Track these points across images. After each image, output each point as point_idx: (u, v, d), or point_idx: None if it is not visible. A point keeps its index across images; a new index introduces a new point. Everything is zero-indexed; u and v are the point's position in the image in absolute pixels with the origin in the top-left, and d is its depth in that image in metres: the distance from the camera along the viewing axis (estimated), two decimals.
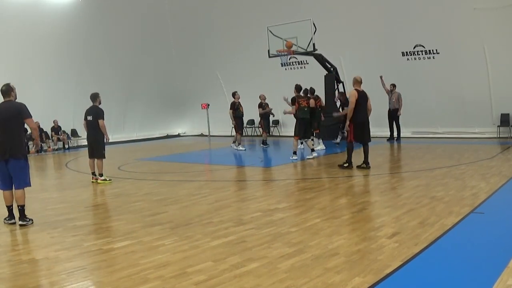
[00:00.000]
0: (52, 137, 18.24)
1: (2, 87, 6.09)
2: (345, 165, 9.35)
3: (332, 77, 16.80)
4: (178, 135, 23.81)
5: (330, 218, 5.47)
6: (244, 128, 21.16)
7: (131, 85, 21.13)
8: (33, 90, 17.55)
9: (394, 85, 15.39)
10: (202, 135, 22.65)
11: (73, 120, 19.48)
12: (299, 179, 8.93)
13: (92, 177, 9.34)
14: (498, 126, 15.03)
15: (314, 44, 15.36)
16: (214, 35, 20.81)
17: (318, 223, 5.21)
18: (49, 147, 17.88)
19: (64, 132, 18.61)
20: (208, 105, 21.32)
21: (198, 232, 5.05)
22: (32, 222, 5.85)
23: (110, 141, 9.83)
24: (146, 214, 6.14)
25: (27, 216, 5.86)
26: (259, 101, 15.18)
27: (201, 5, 20.55)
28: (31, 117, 5.95)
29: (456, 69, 15.36)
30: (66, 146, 18.54)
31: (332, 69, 16.92)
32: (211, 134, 21.48)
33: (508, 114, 14.90)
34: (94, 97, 9.18)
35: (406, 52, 16.47)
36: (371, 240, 4.45)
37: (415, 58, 16.35)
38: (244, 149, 14.04)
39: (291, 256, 4.09)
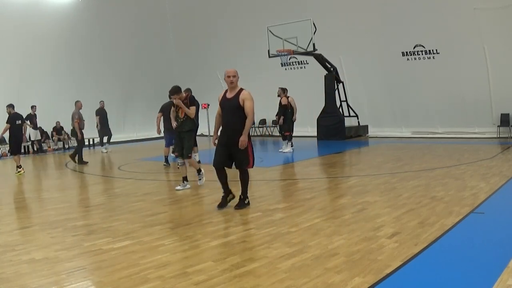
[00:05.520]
0: (53, 137, 18.27)
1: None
2: (246, 201, 6.23)
3: (332, 77, 16.82)
4: None
5: (330, 218, 5.47)
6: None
7: (131, 85, 21.14)
8: (33, 90, 17.59)
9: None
10: (202, 135, 22.65)
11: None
12: (299, 179, 8.92)
13: (21, 169, 10.97)
14: (498, 126, 15.04)
15: (314, 44, 15.37)
16: (214, 35, 20.83)
17: (318, 223, 5.21)
18: (49, 147, 17.91)
19: (65, 132, 18.66)
20: (208, 105, 21.32)
21: (198, 232, 5.05)
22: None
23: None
24: (146, 214, 6.14)
25: None
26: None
27: (201, 5, 20.56)
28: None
29: (456, 69, 15.37)
30: (66, 146, 18.55)
31: (332, 69, 16.93)
32: (211, 134, 21.48)
33: (508, 114, 14.91)
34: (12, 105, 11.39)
35: (406, 52, 16.48)
36: (371, 240, 4.45)
37: (415, 58, 16.37)
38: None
39: (291, 256, 4.09)
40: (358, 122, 17.67)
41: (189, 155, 7.77)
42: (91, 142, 19.30)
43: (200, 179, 8.09)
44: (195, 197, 7.16)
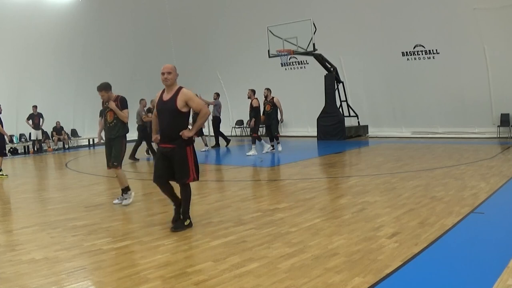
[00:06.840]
0: (52, 137, 18.27)
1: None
2: (186, 223, 5.27)
3: (332, 77, 16.82)
4: None
5: (330, 218, 5.47)
6: (244, 128, 21.25)
7: (130, 85, 21.13)
8: (33, 91, 17.58)
9: (217, 94, 15.60)
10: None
11: (73, 120, 19.49)
12: (299, 179, 8.92)
13: None
14: (498, 126, 15.04)
15: (314, 44, 15.37)
16: (214, 35, 20.83)
17: (318, 223, 5.21)
18: (49, 147, 17.90)
19: (65, 132, 18.67)
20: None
21: (198, 232, 5.05)
22: None
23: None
24: (146, 214, 6.14)
25: None
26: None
27: (201, 5, 20.56)
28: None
29: (456, 69, 15.37)
30: (66, 146, 18.55)
31: (332, 69, 16.94)
32: (211, 134, 21.46)
33: (508, 114, 14.91)
34: None
35: (406, 52, 16.48)
36: (371, 240, 4.45)
37: (415, 58, 16.37)
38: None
39: (291, 256, 4.09)
40: (358, 122, 17.68)
41: (116, 164, 6.67)
42: (90, 142, 19.30)
43: (126, 199, 6.77)
44: (194, 198, 7.13)
